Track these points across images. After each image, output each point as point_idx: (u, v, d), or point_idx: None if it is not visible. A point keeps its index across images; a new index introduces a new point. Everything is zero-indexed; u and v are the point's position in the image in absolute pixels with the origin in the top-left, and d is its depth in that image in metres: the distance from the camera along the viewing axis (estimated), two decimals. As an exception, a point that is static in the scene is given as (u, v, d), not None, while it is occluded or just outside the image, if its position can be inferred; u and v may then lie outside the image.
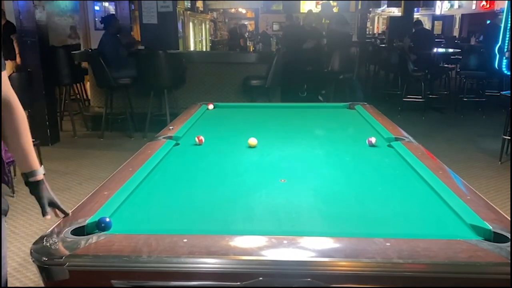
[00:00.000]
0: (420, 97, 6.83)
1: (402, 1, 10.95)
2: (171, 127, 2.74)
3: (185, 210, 1.59)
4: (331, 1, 9.71)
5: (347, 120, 3.14)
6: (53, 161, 4.62)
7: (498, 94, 6.51)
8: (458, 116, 6.69)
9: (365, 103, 3.59)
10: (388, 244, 1.26)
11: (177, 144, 2.45)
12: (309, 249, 1.27)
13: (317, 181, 1.89)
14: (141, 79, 5.45)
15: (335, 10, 8.98)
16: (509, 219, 1.42)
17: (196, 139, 2.46)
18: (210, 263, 1.23)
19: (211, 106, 3.54)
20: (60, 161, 4.69)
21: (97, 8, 8.69)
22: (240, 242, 1.30)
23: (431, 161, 2.05)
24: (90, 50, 5.84)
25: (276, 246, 1.28)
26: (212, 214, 1.55)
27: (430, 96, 7.20)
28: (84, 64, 6.37)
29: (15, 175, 4.02)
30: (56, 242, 1.29)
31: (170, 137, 2.52)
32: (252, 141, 2.34)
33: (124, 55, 5.52)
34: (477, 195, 1.64)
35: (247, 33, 12.56)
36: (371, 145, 2.39)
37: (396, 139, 2.46)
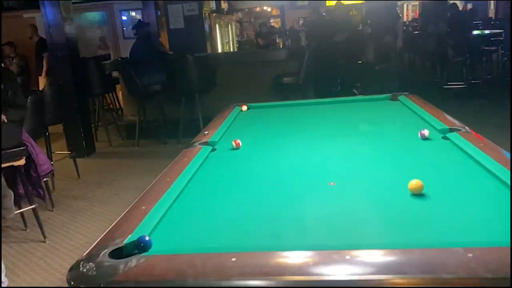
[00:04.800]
0: (462, 83, 6.47)
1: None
2: (206, 132, 2.62)
3: (228, 224, 1.45)
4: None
5: (392, 112, 2.93)
6: (90, 173, 4.61)
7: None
8: (504, 100, 6.28)
9: (408, 93, 3.36)
10: (470, 255, 1.07)
11: (213, 149, 2.33)
12: (376, 265, 1.10)
13: (370, 182, 1.72)
14: (172, 85, 5.39)
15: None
16: None
17: (233, 143, 2.32)
18: (264, 285, 1.08)
19: (244, 108, 3.40)
20: (97, 172, 4.67)
21: (124, 18, 8.75)
22: (296, 259, 1.15)
23: (497, 153, 1.83)
24: (120, 59, 5.82)
25: (338, 262, 1.11)
26: (258, 227, 1.40)
27: (473, 81, 6.81)
28: (115, 74, 6.38)
29: (53, 189, 4.02)
30: (93, 268, 1.18)
31: (206, 143, 2.39)
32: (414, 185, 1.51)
33: (156, 60, 5.48)
34: (563, 190, 1.42)
35: (276, 31, 12.33)
36: (424, 138, 2.18)
37: (451, 130, 2.24)
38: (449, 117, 2.55)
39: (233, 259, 1.15)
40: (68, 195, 3.99)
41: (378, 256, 1.12)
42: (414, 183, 1.52)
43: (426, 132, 2.20)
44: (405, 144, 2.17)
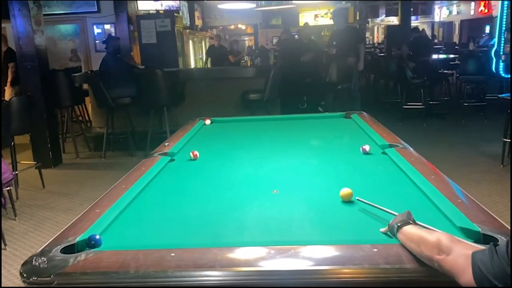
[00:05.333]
0: (420, 104, 6.83)
1: (399, 10, 11.03)
2: (166, 144, 2.76)
3: (175, 225, 1.59)
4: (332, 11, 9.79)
5: (343, 129, 3.15)
6: (55, 183, 4.64)
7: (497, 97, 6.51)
8: (459, 121, 6.67)
9: (362, 112, 3.59)
10: (375, 250, 1.25)
11: (172, 160, 2.47)
12: (297, 258, 1.27)
13: (310, 191, 1.89)
14: (141, 98, 5.51)
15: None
16: (499, 220, 1.41)
17: (191, 154, 2.47)
18: (197, 276, 1.23)
19: (208, 122, 3.56)
20: (62, 183, 4.71)
21: (98, 30, 8.83)
22: (228, 254, 1.30)
23: (424, 166, 2.05)
24: (89, 72, 5.91)
25: (264, 256, 1.28)
26: (202, 227, 1.55)
27: (431, 102, 7.19)
28: (85, 86, 6.45)
29: (17, 198, 4.05)
30: (45, 261, 1.30)
31: (165, 153, 2.53)
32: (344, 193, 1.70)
33: (125, 74, 5.59)
34: (468, 198, 1.63)
35: (247, 50, 12.64)
36: (365, 152, 2.39)
37: (391, 145, 2.45)
38: (393, 135, 2.77)
39: (172, 254, 1.29)
40: (32, 205, 4.03)
41: (300, 251, 1.29)
42: (344, 191, 1.70)
43: (367, 147, 2.41)
44: (348, 158, 2.37)
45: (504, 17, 6.05)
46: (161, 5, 9.31)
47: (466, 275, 1.00)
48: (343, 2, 13.85)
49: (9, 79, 6.56)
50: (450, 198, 1.61)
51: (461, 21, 18.98)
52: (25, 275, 1.27)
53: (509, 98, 4.20)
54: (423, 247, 1.15)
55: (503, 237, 1.26)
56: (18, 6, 4.88)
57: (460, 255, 1.04)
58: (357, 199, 1.63)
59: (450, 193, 1.68)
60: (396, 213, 1.40)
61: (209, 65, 9.79)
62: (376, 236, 1.39)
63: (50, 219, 3.70)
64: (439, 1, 20.22)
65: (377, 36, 23.70)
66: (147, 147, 5.45)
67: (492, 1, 14.23)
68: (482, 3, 15.80)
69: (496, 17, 8.15)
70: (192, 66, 11.25)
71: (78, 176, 4.97)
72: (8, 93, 6.59)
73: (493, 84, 7.04)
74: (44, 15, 5.47)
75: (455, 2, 19.03)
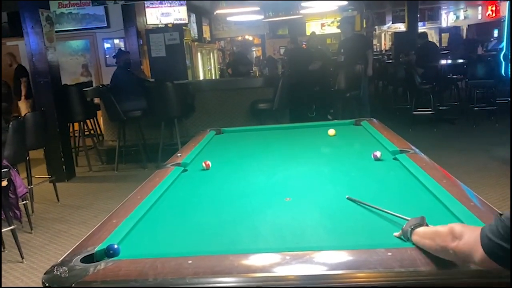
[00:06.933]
0: (430, 109, 6.81)
1: (406, 17, 11.06)
2: (179, 154, 2.80)
3: (191, 233, 1.62)
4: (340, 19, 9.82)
5: (353, 136, 3.16)
6: (69, 197, 4.71)
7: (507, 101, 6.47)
8: (470, 126, 6.63)
9: (372, 118, 3.61)
10: (389, 254, 1.26)
11: (185, 170, 2.50)
12: (312, 264, 1.28)
13: (322, 197, 1.91)
14: (152, 111, 5.58)
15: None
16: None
17: (203, 164, 2.50)
18: (214, 282, 1.25)
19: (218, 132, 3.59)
20: (76, 196, 4.78)
21: (108, 45, 8.97)
22: (244, 260, 1.33)
23: (435, 170, 2.06)
24: (101, 86, 6.01)
25: (280, 262, 1.30)
26: (217, 235, 1.58)
27: (440, 107, 7.16)
28: (96, 100, 6.54)
29: (32, 211, 4.12)
30: (66, 271, 1.33)
31: (178, 164, 2.57)
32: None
33: (136, 87, 5.67)
34: (481, 201, 1.64)
35: (254, 60, 12.74)
36: (376, 159, 2.40)
37: (401, 151, 2.46)
38: (403, 140, 2.78)
39: (190, 261, 1.32)
40: (47, 218, 4.09)
41: (314, 257, 1.31)
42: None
43: (378, 153, 2.42)
44: (359, 165, 2.39)
45: (512, 20, 6.05)
46: (159, 20, 9.08)
47: (478, 251, 0.99)
48: (350, 10, 13.92)
49: (23, 93, 6.77)
50: (462, 202, 1.62)
51: (469, 25, 18.90)
52: (47, 285, 1.31)
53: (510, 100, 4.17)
54: (437, 239, 1.16)
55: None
56: (31, 24, 5.00)
57: (470, 236, 1.04)
58: (348, 198, 1.68)
59: (463, 196, 1.69)
60: (392, 212, 1.50)
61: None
62: (390, 240, 1.40)
63: (65, 231, 3.75)
64: (446, 7, 20.19)
65: (385, 43, 23.66)
66: (158, 159, 5.51)
67: (500, 2, 14.17)
68: (490, 7, 15.74)
69: (504, 20, 8.14)
70: (201, 78, 11.34)
71: (91, 189, 5.03)
72: (23, 107, 6.78)
73: (503, 88, 6.99)
74: (56, 31, 5.59)
75: (462, 7, 18.99)
